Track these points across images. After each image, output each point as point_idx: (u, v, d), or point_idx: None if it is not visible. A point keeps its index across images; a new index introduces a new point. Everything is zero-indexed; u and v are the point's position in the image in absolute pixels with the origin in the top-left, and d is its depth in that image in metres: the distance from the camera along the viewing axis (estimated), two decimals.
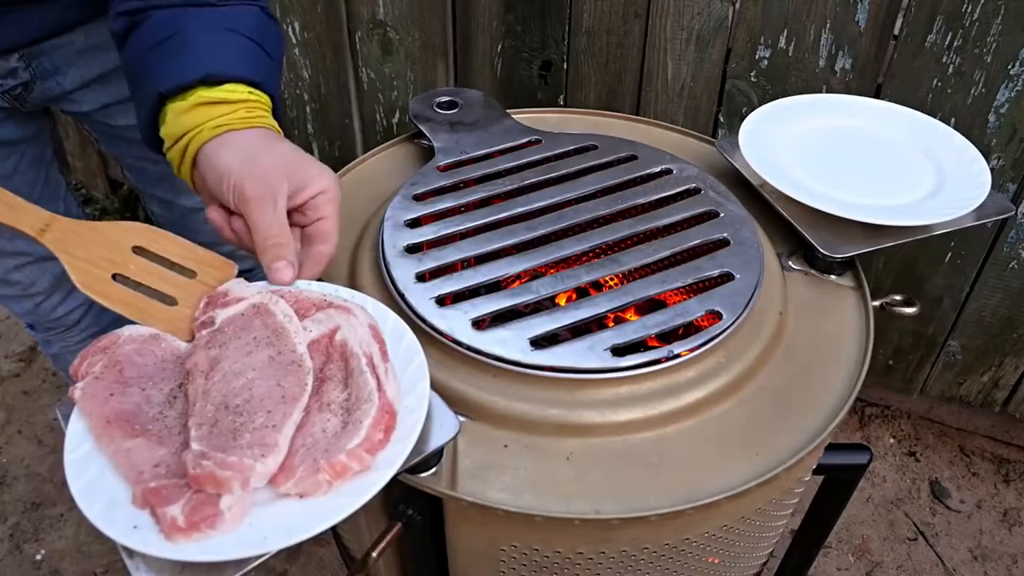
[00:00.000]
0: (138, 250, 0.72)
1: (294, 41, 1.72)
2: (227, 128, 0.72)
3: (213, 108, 0.72)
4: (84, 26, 0.97)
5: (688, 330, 0.80)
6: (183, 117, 0.72)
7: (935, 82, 1.33)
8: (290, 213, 0.72)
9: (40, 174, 1.13)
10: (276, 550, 0.58)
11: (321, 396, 0.67)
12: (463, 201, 0.93)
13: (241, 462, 0.59)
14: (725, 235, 0.88)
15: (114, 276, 0.70)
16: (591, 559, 0.75)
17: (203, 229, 1.30)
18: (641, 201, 0.93)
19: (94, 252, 0.69)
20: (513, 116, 1.08)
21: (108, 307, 0.69)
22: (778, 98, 1.07)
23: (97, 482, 0.61)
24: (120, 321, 0.70)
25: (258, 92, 0.76)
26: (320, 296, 0.73)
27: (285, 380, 0.66)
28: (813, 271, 0.92)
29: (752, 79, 1.44)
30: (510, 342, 0.76)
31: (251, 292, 0.71)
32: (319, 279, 0.75)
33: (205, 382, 0.65)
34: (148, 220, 1.36)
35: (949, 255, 1.51)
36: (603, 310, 0.80)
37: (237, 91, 0.74)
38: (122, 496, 0.60)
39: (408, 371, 0.69)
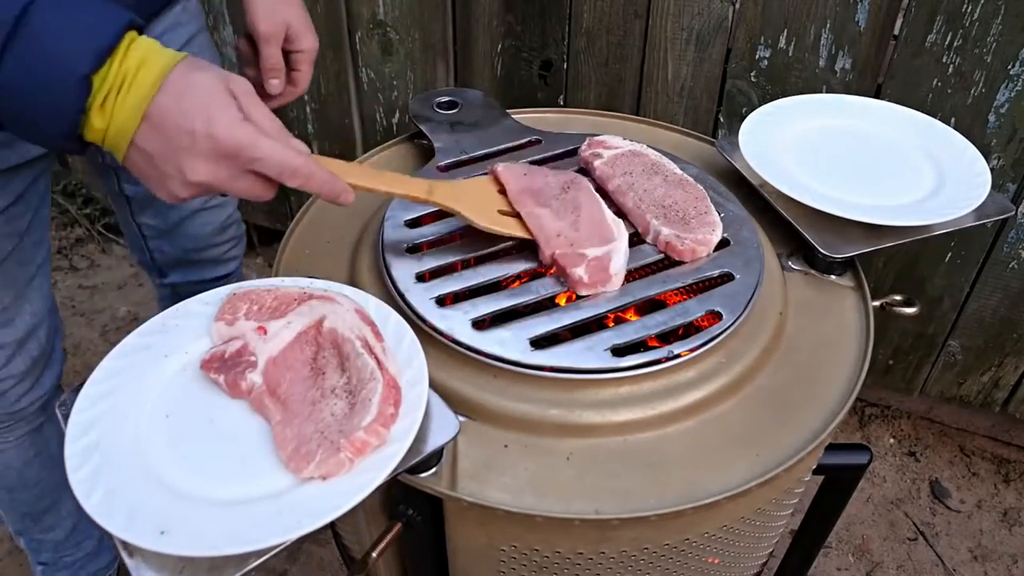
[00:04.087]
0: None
1: None
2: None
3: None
4: None
5: (688, 330, 0.80)
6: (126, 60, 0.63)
7: (935, 82, 1.33)
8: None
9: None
10: (311, 530, 0.59)
11: (322, 384, 0.69)
12: None
13: (705, 236, 0.84)
14: (725, 235, 0.88)
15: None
16: (591, 559, 0.75)
17: (197, 234, 1.30)
18: None
19: (473, 199, 0.85)
20: (513, 116, 1.08)
21: (507, 233, 0.84)
22: (778, 98, 1.07)
23: (110, 496, 0.61)
24: None
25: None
26: (299, 290, 0.76)
27: (686, 189, 0.89)
28: (813, 271, 0.92)
29: (752, 79, 1.44)
30: (510, 342, 0.76)
31: (624, 142, 0.96)
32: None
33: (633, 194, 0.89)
34: (137, 237, 1.32)
35: (949, 255, 1.51)
36: (603, 310, 0.80)
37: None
38: (142, 506, 0.60)
39: (402, 348, 0.71)
